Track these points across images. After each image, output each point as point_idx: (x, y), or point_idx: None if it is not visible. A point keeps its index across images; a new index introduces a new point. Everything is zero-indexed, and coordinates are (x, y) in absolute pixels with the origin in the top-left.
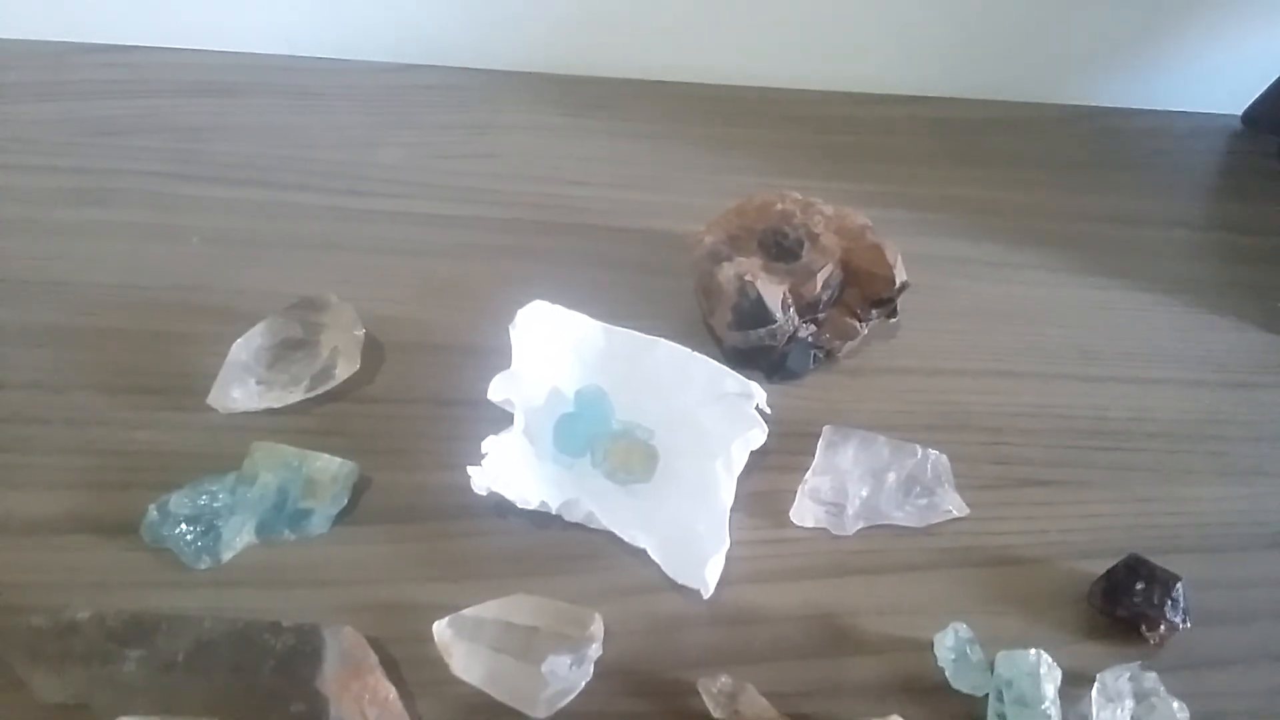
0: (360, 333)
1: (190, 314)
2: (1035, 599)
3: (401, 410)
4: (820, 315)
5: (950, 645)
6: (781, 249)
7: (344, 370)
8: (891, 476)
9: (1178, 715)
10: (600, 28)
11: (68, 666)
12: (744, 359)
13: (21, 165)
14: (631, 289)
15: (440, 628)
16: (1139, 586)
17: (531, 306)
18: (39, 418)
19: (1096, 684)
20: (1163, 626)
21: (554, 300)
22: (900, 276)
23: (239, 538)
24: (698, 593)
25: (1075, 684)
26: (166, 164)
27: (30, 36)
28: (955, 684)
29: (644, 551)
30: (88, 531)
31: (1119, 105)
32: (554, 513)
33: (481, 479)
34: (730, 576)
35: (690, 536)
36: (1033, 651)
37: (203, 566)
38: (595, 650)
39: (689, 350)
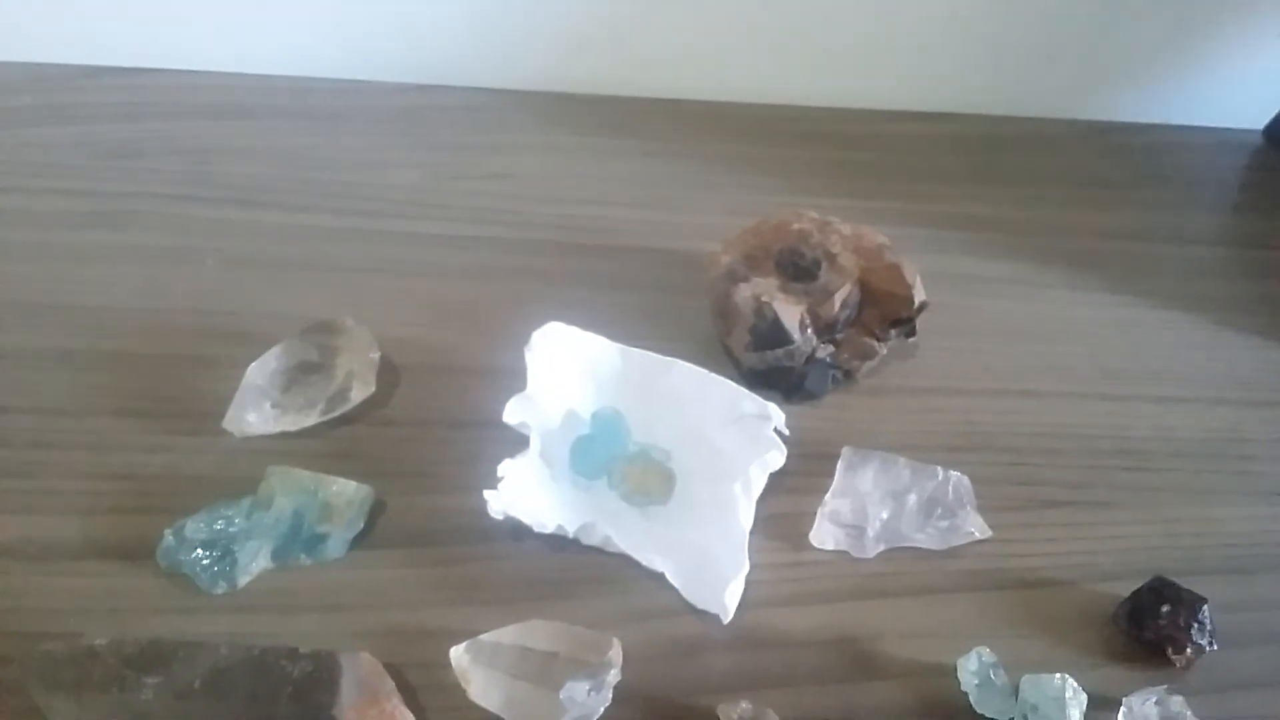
0: (375, 355)
1: (205, 337)
2: (1059, 622)
3: (417, 433)
4: (838, 335)
5: (974, 669)
6: (799, 269)
7: (359, 393)
8: (912, 498)
9: None
10: (616, 47)
11: (85, 694)
12: (762, 380)
13: (35, 189)
14: (648, 310)
15: (458, 653)
16: (1165, 609)
17: (547, 328)
18: (54, 442)
19: (1123, 708)
20: (1189, 649)
21: (569, 321)
22: (919, 296)
23: (255, 563)
24: (717, 617)
25: (1101, 708)
26: (180, 187)
27: (43, 60)
28: (979, 709)
29: (662, 575)
30: (103, 557)
31: (1140, 121)
32: (571, 536)
33: (497, 502)
34: (750, 600)
35: (709, 560)
36: (1058, 675)
37: (219, 592)
38: (614, 676)
39: (706, 371)
